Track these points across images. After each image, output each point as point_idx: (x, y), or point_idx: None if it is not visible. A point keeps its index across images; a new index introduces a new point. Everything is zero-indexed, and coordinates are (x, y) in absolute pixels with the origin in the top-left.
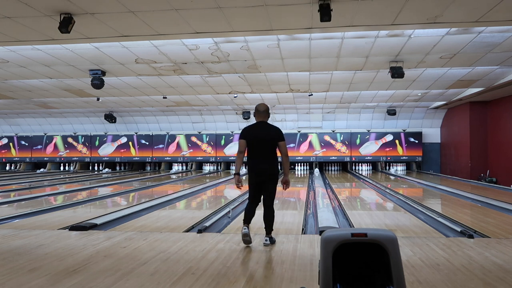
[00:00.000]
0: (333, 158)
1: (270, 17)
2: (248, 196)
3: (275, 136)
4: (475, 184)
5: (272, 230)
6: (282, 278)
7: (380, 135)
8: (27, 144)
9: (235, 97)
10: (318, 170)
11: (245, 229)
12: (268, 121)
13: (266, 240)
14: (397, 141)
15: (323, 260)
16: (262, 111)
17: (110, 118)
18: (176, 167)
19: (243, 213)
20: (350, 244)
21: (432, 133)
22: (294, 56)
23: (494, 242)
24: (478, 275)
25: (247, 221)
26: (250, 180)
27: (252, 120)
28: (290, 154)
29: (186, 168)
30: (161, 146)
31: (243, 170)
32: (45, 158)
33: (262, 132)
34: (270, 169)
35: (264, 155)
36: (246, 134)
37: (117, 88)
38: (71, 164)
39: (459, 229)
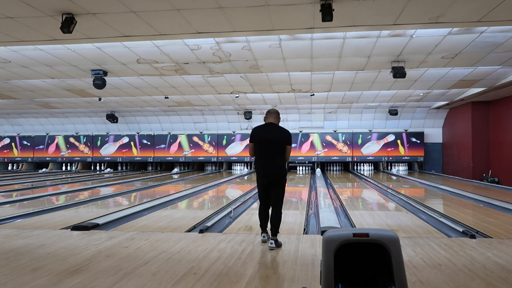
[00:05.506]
0: (335, 158)
1: (272, 17)
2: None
3: (284, 139)
4: (477, 184)
5: (278, 232)
6: (283, 278)
7: (382, 135)
8: (29, 144)
9: (236, 97)
10: (319, 170)
11: (264, 236)
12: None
13: (271, 244)
14: (399, 141)
15: (325, 260)
16: (273, 112)
17: (112, 118)
18: (177, 167)
19: (244, 213)
20: (352, 244)
21: (434, 133)
22: (296, 56)
23: (496, 242)
24: (480, 275)
25: (263, 226)
26: (258, 181)
27: (254, 121)
28: (292, 154)
29: (188, 168)
30: (162, 146)
31: (245, 170)
32: (47, 158)
33: (271, 134)
34: (278, 170)
35: (271, 156)
36: (254, 135)
37: (118, 88)
38: (73, 164)
39: (461, 229)
